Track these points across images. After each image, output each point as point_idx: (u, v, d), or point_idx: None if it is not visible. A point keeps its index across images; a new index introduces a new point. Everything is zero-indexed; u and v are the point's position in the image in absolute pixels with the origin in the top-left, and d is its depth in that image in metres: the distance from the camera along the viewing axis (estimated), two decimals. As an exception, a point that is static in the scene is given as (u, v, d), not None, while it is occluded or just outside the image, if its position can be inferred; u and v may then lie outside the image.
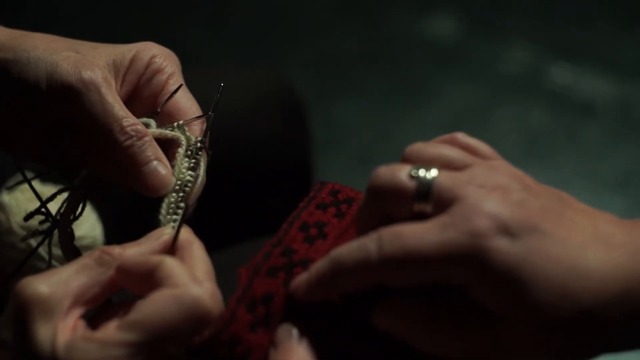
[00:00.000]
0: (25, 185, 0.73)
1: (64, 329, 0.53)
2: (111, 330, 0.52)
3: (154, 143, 0.65)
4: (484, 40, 2.27)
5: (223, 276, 0.86)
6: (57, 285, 0.54)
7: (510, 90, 2.16)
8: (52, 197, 0.69)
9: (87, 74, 0.63)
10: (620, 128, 2.08)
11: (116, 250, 0.57)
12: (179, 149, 0.65)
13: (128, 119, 0.63)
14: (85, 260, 0.56)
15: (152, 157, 0.64)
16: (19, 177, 0.81)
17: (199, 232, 0.66)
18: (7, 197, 0.82)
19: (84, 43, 0.67)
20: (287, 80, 1.09)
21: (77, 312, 0.54)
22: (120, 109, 0.64)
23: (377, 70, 2.21)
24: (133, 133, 0.63)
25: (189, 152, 0.65)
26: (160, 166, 0.64)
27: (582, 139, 2.06)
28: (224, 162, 0.95)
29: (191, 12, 2.30)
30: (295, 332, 0.55)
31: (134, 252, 0.58)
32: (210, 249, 0.92)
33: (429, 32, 2.29)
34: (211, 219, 0.97)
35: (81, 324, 0.54)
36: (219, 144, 0.69)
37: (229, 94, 0.70)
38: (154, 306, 0.52)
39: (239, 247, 0.94)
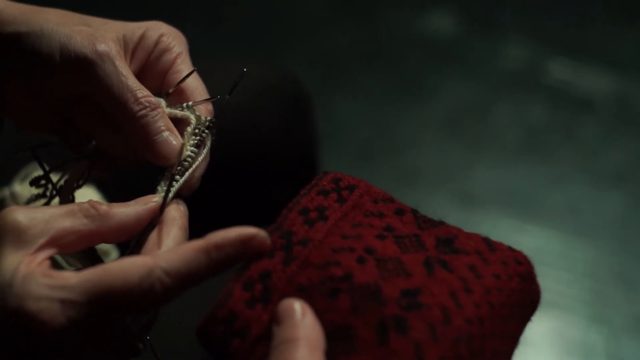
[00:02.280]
0: (37, 175, 0.74)
1: (30, 262, 0.55)
2: (69, 275, 0.54)
3: (166, 115, 0.66)
4: (482, 37, 2.28)
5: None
6: (37, 221, 0.56)
7: (509, 87, 2.16)
8: (58, 166, 0.71)
9: (102, 47, 0.65)
10: (619, 123, 2.09)
11: (103, 207, 0.59)
12: (188, 127, 0.67)
13: (142, 91, 0.65)
14: (73, 207, 0.58)
15: (164, 128, 0.65)
16: (32, 168, 0.82)
17: (204, 223, 0.66)
18: (19, 187, 0.83)
19: (94, 18, 0.69)
20: (291, 74, 1.10)
21: (49, 252, 0.56)
22: (134, 81, 0.65)
23: (376, 68, 2.21)
24: (147, 104, 0.65)
25: (197, 131, 0.67)
26: (171, 136, 0.65)
27: (580, 135, 2.07)
28: (229, 154, 0.96)
29: (189, 11, 2.31)
30: (298, 307, 0.55)
31: (119, 211, 0.60)
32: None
33: (427, 29, 2.30)
34: (216, 209, 0.98)
35: (47, 263, 0.56)
36: (223, 136, 0.70)
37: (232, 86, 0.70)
38: (118, 268, 0.54)
39: None
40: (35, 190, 0.72)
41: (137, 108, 0.64)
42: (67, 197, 0.70)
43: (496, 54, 2.23)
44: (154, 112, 0.65)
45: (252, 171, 1.03)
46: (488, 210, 1.90)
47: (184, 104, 0.68)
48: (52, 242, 0.56)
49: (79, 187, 0.70)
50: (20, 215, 0.56)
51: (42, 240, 0.56)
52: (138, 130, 0.65)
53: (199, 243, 0.56)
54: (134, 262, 0.55)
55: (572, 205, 1.92)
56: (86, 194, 0.84)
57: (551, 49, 2.24)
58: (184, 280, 0.56)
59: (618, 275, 1.79)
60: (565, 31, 2.29)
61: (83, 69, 0.64)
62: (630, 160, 2.01)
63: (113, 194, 0.88)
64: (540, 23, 2.32)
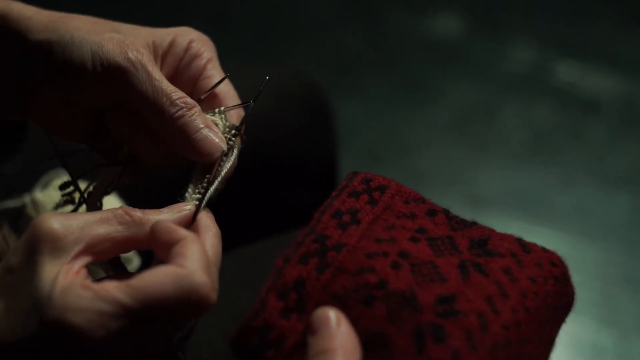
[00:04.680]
0: (58, 182, 0.73)
1: (67, 271, 0.54)
2: (108, 286, 0.54)
3: (203, 113, 0.66)
4: (489, 38, 2.27)
5: (250, 270, 0.87)
6: (73, 228, 0.55)
7: (516, 88, 2.16)
8: (86, 172, 0.70)
9: (134, 54, 0.64)
10: (626, 125, 2.09)
11: (137, 213, 0.59)
12: None
13: (177, 93, 0.65)
14: (107, 214, 0.58)
15: (203, 125, 0.65)
16: (53, 175, 0.81)
17: (225, 228, 0.66)
18: (40, 195, 0.82)
19: (123, 25, 0.68)
20: (311, 78, 1.10)
21: (85, 259, 0.56)
22: (168, 84, 0.65)
23: (382, 70, 2.21)
24: (183, 105, 0.65)
25: (224, 137, 0.67)
26: (211, 133, 0.65)
27: (587, 136, 2.06)
28: (250, 158, 0.96)
29: (193, 13, 2.30)
30: (333, 315, 0.54)
31: (153, 218, 0.59)
32: (237, 243, 0.92)
33: (434, 32, 2.30)
34: (238, 214, 0.97)
35: (84, 272, 0.55)
36: (245, 141, 0.70)
37: (255, 92, 0.70)
38: (154, 279, 0.54)
39: (268, 242, 0.94)
40: (62, 197, 0.72)
41: (173, 110, 0.64)
42: (94, 204, 0.70)
43: (503, 56, 2.23)
44: (191, 111, 0.65)
45: (273, 175, 1.03)
46: (495, 212, 1.90)
47: (216, 110, 0.68)
48: (87, 250, 0.56)
49: (107, 193, 0.70)
50: (56, 222, 0.55)
51: (77, 248, 0.55)
52: (177, 132, 0.65)
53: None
54: (169, 273, 0.54)
55: (580, 206, 1.92)
56: (110, 202, 0.84)
57: (557, 50, 2.23)
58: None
59: (627, 277, 1.79)
60: (572, 33, 2.29)
61: (116, 77, 0.64)
62: (637, 162, 2.01)
63: (135, 203, 0.87)
64: (547, 25, 2.31)
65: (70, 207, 0.72)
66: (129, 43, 0.65)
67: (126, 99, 0.65)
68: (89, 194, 0.70)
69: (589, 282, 1.78)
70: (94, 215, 0.57)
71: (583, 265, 1.80)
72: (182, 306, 0.54)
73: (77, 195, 0.71)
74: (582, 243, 1.84)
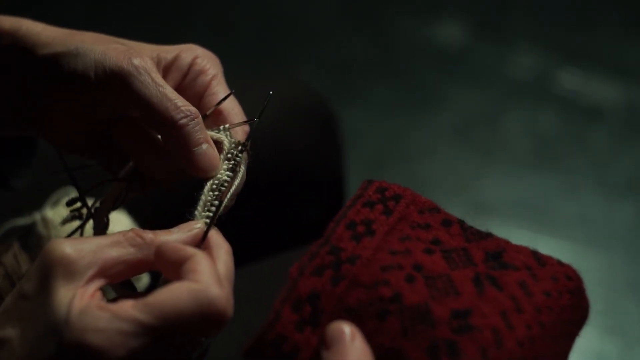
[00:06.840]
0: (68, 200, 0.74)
1: (82, 294, 0.55)
2: (125, 306, 0.54)
3: (204, 126, 0.66)
4: (492, 45, 2.27)
5: (261, 287, 0.86)
6: (85, 252, 0.56)
7: (519, 96, 2.16)
8: (94, 186, 0.70)
9: (137, 60, 0.65)
10: (629, 132, 2.08)
11: (149, 235, 0.59)
12: (221, 154, 0.67)
13: (180, 100, 0.65)
14: (118, 237, 0.58)
15: (203, 139, 0.65)
16: (62, 193, 0.81)
17: (235, 244, 0.66)
18: (50, 212, 0.82)
19: (128, 41, 0.69)
20: (317, 92, 1.10)
21: (99, 283, 0.56)
22: (171, 91, 0.65)
23: (385, 77, 2.20)
24: (187, 112, 0.65)
25: (229, 155, 0.67)
26: (209, 149, 0.65)
27: (591, 144, 2.06)
28: (259, 174, 0.96)
29: (194, 16, 2.30)
30: (347, 330, 0.54)
31: (164, 239, 0.59)
32: (247, 259, 0.92)
33: (436, 38, 2.29)
34: (248, 230, 0.97)
35: (99, 295, 0.56)
36: (253, 156, 0.70)
37: (261, 107, 0.70)
38: (170, 295, 0.54)
39: (278, 259, 0.94)
40: (69, 213, 0.72)
41: (178, 116, 0.64)
42: (102, 219, 0.70)
43: (506, 63, 2.23)
44: (194, 121, 0.65)
45: (282, 190, 1.03)
46: (499, 219, 1.89)
47: (221, 127, 0.68)
48: (100, 273, 0.56)
49: (114, 208, 0.70)
50: (68, 247, 0.55)
51: (91, 272, 0.56)
52: (178, 140, 0.64)
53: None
54: (186, 288, 0.55)
55: (583, 214, 1.91)
56: (118, 219, 0.84)
57: (561, 57, 2.23)
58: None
59: (631, 285, 1.78)
60: (575, 39, 2.28)
61: (119, 83, 0.64)
62: (641, 169, 2.01)
63: (142, 218, 0.87)
64: (550, 31, 2.31)
65: (77, 223, 0.72)
66: (134, 52, 0.66)
67: (131, 106, 0.65)
68: (96, 209, 0.70)
69: (592, 290, 1.76)
70: (106, 239, 0.57)
71: (587, 273, 1.79)
72: (200, 321, 0.54)
73: (84, 211, 0.71)
74: (585, 251, 1.84)
